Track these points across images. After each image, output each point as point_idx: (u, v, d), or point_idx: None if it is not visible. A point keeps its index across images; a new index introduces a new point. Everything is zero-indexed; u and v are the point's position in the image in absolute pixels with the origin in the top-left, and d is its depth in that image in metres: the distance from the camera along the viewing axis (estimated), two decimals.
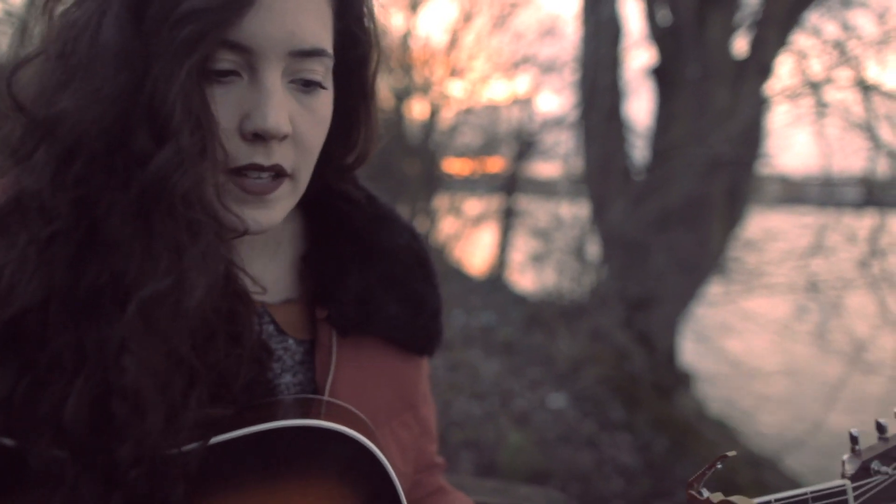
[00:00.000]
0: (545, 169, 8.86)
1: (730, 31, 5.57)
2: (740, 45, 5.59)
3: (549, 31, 8.28)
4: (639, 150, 6.11)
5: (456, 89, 10.96)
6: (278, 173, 0.67)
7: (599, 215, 6.03)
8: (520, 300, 7.22)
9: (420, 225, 10.85)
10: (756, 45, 5.49)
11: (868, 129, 4.67)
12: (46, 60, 0.62)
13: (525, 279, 8.02)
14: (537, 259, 7.22)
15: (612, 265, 5.76)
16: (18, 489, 0.58)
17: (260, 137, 0.63)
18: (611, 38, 5.83)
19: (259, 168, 0.65)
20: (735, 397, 5.34)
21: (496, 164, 10.30)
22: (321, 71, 0.68)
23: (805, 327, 4.58)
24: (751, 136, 5.52)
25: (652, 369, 5.19)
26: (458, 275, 9.18)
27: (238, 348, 0.67)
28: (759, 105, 5.58)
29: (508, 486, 1.23)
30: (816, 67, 4.89)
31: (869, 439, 0.87)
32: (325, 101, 0.70)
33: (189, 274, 0.58)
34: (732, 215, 5.81)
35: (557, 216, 7.19)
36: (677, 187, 5.36)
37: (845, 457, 0.81)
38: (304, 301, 0.82)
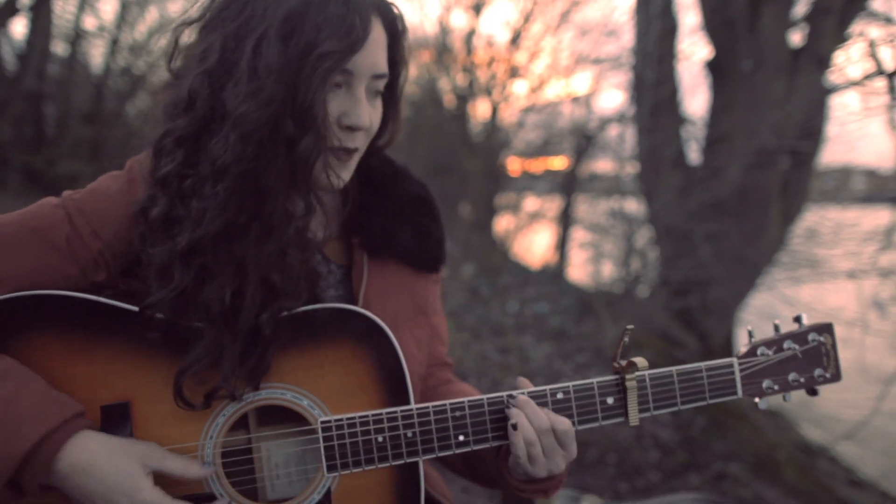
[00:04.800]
0: (604, 166, 8.95)
1: (785, 21, 5.56)
2: (796, 36, 5.57)
3: (612, 28, 8.38)
4: (693, 143, 6.18)
5: (518, 88, 11.18)
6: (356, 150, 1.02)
7: (652, 208, 6.14)
8: (574, 291, 7.39)
9: (481, 219, 11.13)
10: (813, 36, 5.47)
11: None
12: (204, 74, 0.91)
13: (581, 271, 8.17)
14: (592, 252, 7.37)
15: (664, 256, 5.86)
16: (178, 349, 0.91)
17: (351, 128, 0.97)
18: (662, 32, 5.92)
19: (348, 150, 0.99)
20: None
21: (557, 162, 10.45)
22: (382, 86, 1.02)
23: (876, 320, 4.50)
24: (810, 128, 5.49)
25: (703, 358, 5.27)
26: (516, 267, 9.41)
27: (315, 289, 1.01)
28: (818, 96, 5.53)
29: None
30: (886, 55, 4.73)
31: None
32: (381, 103, 1.05)
33: (315, 210, 0.94)
34: (791, 206, 5.79)
35: (614, 210, 7.32)
36: (729, 179, 5.41)
37: (743, 345, 1.07)
38: (344, 237, 1.15)
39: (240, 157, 0.87)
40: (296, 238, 0.92)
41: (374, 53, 0.96)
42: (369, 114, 0.99)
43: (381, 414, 0.96)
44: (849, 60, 5.37)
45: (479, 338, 5.72)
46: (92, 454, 0.85)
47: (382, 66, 0.99)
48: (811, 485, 3.61)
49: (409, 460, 0.97)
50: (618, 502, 2.35)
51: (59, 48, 8.42)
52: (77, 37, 8.29)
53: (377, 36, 0.96)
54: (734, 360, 1.03)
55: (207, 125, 0.91)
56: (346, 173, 1.02)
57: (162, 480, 0.91)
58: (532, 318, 6.37)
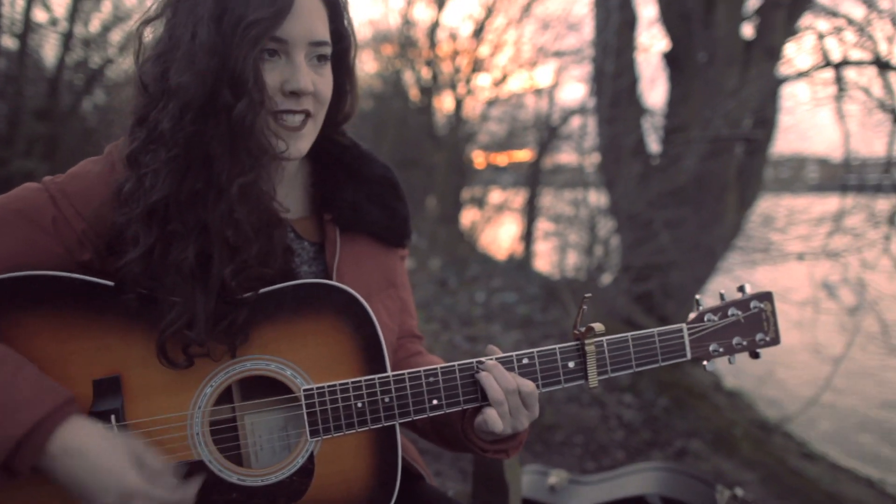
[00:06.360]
0: (567, 157, 9.10)
1: (738, 15, 5.75)
2: (748, 28, 5.77)
3: (572, 21, 8.52)
4: (652, 133, 6.35)
5: (482, 81, 11.28)
6: (306, 115, 1.05)
7: (613, 196, 6.29)
8: (540, 280, 7.53)
9: (447, 212, 11.20)
10: (763, 28, 5.67)
11: (891, 111, 4.57)
12: (156, 59, 0.99)
13: (546, 261, 8.31)
14: (557, 241, 7.51)
15: (625, 243, 6.02)
16: (152, 315, 0.96)
17: (294, 94, 1.02)
18: (622, 25, 6.06)
19: (293, 111, 1.03)
20: (749, 370, 5.54)
21: (521, 155, 10.59)
22: (322, 53, 1.06)
23: (825, 301, 4.69)
24: (763, 118, 5.70)
25: None
26: (483, 258, 9.52)
27: (272, 242, 1.05)
28: (770, 87, 5.73)
29: None
30: (834, 48, 4.87)
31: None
32: (329, 72, 1.09)
33: (262, 171, 0.98)
34: (746, 193, 6.00)
35: (577, 201, 7.47)
36: (687, 167, 5.58)
37: (692, 313, 1.16)
38: (315, 215, 1.20)
39: (180, 125, 0.94)
40: (239, 196, 0.96)
41: (309, 21, 1.01)
42: (312, 79, 1.03)
43: (360, 381, 1.02)
44: (799, 52, 5.58)
45: (448, 328, 5.80)
46: (82, 439, 0.89)
47: (320, 34, 1.03)
48: (766, 457, 3.79)
49: (386, 424, 1.03)
50: (584, 474, 2.45)
51: (9, 42, 8.17)
52: (27, 30, 8.05)
53: (310, 4, 1.02)
54: (683, 326, 1.12)
55: (158, 103, 0.97)
56: (302, 142, 1.06)
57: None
58: (499, 308, 6.48)
